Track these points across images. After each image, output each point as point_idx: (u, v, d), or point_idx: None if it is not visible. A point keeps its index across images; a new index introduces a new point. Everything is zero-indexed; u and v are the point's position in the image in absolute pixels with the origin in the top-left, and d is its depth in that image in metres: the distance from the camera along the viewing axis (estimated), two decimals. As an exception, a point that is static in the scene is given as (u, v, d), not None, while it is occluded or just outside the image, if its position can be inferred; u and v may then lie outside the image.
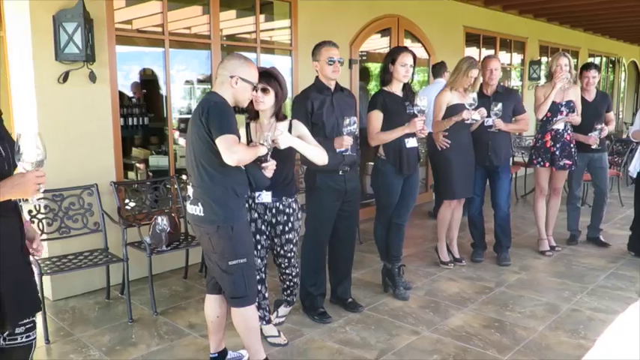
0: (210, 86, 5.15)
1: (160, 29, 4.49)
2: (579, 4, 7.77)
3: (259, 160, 2.70)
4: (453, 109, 4.18)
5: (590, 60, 11.47)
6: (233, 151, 2.43)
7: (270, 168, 2.76)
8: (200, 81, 6.54)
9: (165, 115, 4.83)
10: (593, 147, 4.79)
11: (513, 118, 4.59)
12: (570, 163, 4.75)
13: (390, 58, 3.72)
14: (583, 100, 4.83)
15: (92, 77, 3.92)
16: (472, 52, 8.00)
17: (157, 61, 5.03)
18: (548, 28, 9.59)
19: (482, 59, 4.73)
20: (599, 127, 4.61)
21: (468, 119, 4.07)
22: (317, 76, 3.48)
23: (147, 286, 3.88)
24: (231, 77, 2.58)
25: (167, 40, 4.45)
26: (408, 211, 3.99)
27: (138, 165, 5.97)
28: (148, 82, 6.43)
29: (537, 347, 3.20)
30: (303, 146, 2.94)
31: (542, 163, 4.77)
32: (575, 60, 10.61)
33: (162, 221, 3.80)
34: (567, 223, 5.35)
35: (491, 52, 8.41)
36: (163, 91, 5.00)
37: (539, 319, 3.59)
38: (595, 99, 4.96)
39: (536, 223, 5.06)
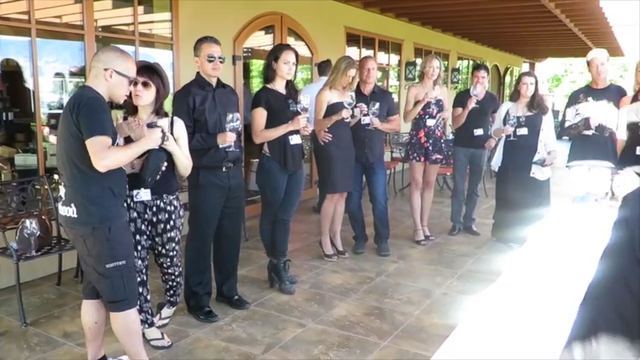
0: (84, 80, 4.85)
1: (25, 17, 4.15)
2: (448, 10, 8.35)
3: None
4: (333, 108, 4.33)
5: (459, 62, 12.40)
6: (101, 157, 2.32)
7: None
8: (73, 74, 6.13)
9: (32, 110, 4.47)
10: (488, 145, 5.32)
11: (386, 119, 4.85)
12: (441, 157, 5.16)
13: (273, 55, 3.77)
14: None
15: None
16: (353, 51, 8.30)
17: (22, 52, 4.64)
18: (422, 32, 10.20)
19: (360, 59, 4.94)
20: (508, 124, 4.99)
21: (347, 117, 4.24)
22: (198, 72, 3.43)
23: (14, 295, 3.58)
24: (106, 70, 2.46)
25: (34, 29, 4.12)
26: (294, 207, 4.07)
27: (1, 164, 5.47)
28: (10, 74, 5.91)
29: (414, 330, 3.42)
30: (178, 154, 2.87)
31: (417, 158, 5.10)
32: (446, 62, 11.41)
33: (30, 224, 3.52)
34: (451, 215, 5.76)
35: (370, 52, 8.78)
36: (30, 84, 4.62)
37: (415, 304, 3.84)
38: (484, 98, 5.39)
39: (412, 214, 5.39)
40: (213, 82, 3.43)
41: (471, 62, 12.58)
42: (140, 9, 5.08)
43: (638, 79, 4.23)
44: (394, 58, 9.72)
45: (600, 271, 0.87)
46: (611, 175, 4.39)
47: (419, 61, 9.86)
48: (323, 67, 6.37)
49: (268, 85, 3.83)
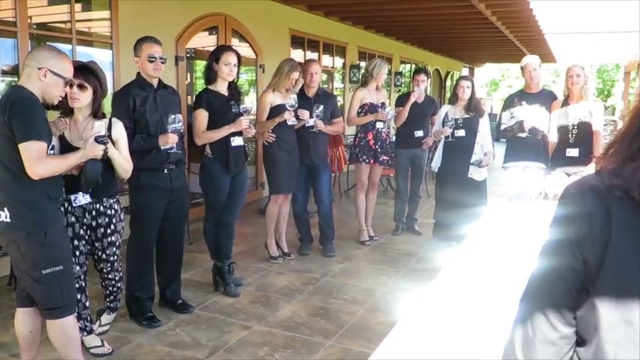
0: (17, 79, 4.64)
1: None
2: (390, 15, 8.52)
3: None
4: (276, 110, 4.34)
5: (402, 66, 12.68)
6: (36, 166, 2.25)
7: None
8: (4, 72, 5.84)
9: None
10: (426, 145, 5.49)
11: (330, 121, 4.91)
12: (387, 158, 5.32)
13: (214, 57, 3.75)
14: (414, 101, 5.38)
15: None
16: (297, 54, 8.33)
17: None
18: (365, 35, 10.36)
19: (304, 62, 4.97)
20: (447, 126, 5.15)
21: (289, 119, 4.27)
22: (138, 72, 3.36)
23: (-60, 305, 3.39)
24: (40, 69, 2.37)
25: (-40, 25, 3.92)
26: (238, 209, 4.05)
27: None
28: None
29: (358, 329, 3.48)
30: (117, 157, 2.81)
31: (367, 161, 5.19)
32: (389, 66, 11.63)
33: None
34: (394, 215, 5.87)
35: (315, 55, 8.84)
36: (-44, 83, 4.39)
37: (360, 303, 3.90)
38: (424, 102, 5.53)
39: (357, 215, 5.47)
40: (155, 82, 3.36)
41: (414, 66, 12.88)
42: (78, 6, 4.92)
43: (567, 85, 4.46)
44: (338, 61, 9.83)
45: (540, 268, 0.88)
46: (543, 176, 4.61)
47: (363, 64, 10.01)
48: None
49: (210, 87, 3.80)
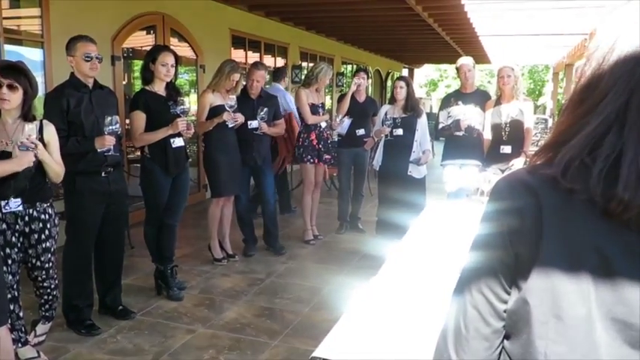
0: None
1: None
2: (330, 16, 8.61)
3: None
4: (216, 111, 4.31)
5: (344, 67, 12.82)
6: None
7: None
8: None
9: None
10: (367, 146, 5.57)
11: (273, 122, 4.92)
12: (330, 157, 5.36)
13: (151, 57, 3.69)
14: (354, 100, 5.47)
15: None
16: (239, 54, 8.28)
17: None
18: (307, 36, 10.41)
19: (249, 67, 4.95)
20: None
21: (228, 120, 4.24)
22: (72, 72, 3.25)
23: None
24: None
25: None
26: (180, 211, 3.99)
27: None
28: None
29: (304, 327, 3.50)
30: (48, 161, 2.72)
31: (312, 160, 5.23)
32: (331, 66, 11.72)
33: None
34: (338, 214, 5.92)
35: (257, 55, 8.81)
36: None
37: (305, 302, 3.93)
38: (365, 101, 5.63)
39: (304, 215, 5.50)
40: (90, 82, 3.26)
41: (355, 66, 13.05)
42: (5, 3, 4.69)
43: (499, 85, 4.66)
44: (280, 62, 9.83)
45: (471, 261, 0.87)
46: (478, 173, 4.79)
47: (305, 64, 10.06)
48: (277, 75, 6.48)
49: (147, 87, 3.73)
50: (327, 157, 5.32)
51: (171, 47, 4.68)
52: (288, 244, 5.32)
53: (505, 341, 0.85)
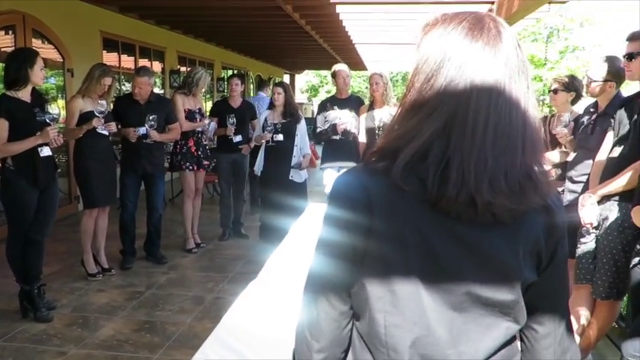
0: None
1: None
2: (208, 20, 8.49)
3: None
4: (86, 116, 4.10)
5: (224, 72, 12.70)
6: None
7: None
8: None
9: None
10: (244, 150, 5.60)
11: (167, 128, 4.77)
12: (208, 163, 5.32)
13: (29, 62, 3.45)
14: (228, 106, 5.51)
15: None
16: (111, 57, 7.90)
17: None
18: (185, 40, 10.17)
19: (135, 72, 4.78)
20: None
21: (98, 127, 4.05)
22: None
23: None
24: None
25: None
26: (48, 226, 3.72)
27: None
28: None
29: (186, 339, 3.43)
30: None
31: (191, 167, 5.13)
32: (211, 71, 11.58)
33: None
34: (220, 220, 5.85)
35: (131, 59, 8.46)
36: None
37: (188, 312, 3.85)
38: (240, 107, 5.61)
39: (184, 223, 5.37)
40: None
41: (236, 72, 12.99)
42: None
43: (370, 91, 4.91)
44: (157, 66, 9.52)
45: (316, 259, 0.97)
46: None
47: (183, 69, 9.83)
48: (262, 84, 6.57)
49: (8, 93, 3.44)
50: (205, 162, 5.27)
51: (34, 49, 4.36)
52: (169, 253, 5.16)
53: (356, 323, 0.97)
